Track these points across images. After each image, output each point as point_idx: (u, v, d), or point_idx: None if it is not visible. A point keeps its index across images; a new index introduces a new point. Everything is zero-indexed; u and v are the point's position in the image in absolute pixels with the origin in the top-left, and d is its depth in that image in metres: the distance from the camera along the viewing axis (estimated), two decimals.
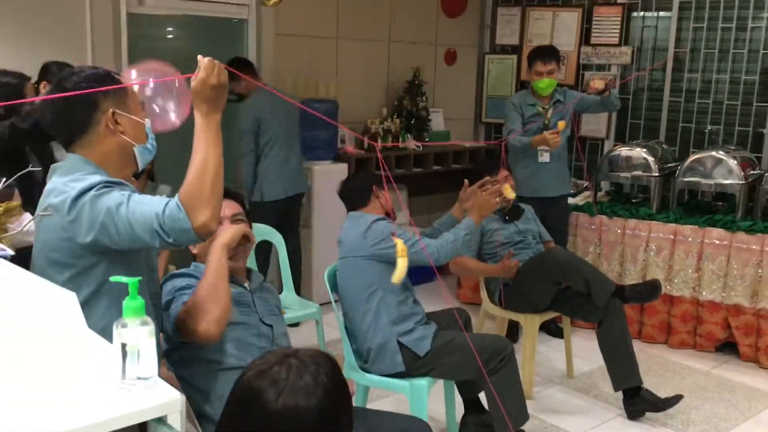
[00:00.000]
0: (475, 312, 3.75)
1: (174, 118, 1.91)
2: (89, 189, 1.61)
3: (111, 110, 1.72)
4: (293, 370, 1.20)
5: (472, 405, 3.03)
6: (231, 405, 1.24)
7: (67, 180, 1.67)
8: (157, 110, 2.25)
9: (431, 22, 5.55)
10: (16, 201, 2.07)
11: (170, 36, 4.64)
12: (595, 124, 5.31)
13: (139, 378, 1.07)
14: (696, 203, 4.45)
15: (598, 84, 4.11)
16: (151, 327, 1.10)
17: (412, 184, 5.21)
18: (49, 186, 1.72)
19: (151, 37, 4.43)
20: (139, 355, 1.07)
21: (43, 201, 1.71)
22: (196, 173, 1.58)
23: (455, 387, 2.99)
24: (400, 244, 2.50)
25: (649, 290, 3.42)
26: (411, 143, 5.08)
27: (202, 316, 1.83)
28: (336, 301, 2.84)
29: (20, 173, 1.91)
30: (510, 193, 3.44)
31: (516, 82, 5.70)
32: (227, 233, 1.99)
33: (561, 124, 3.99)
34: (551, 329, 4.22)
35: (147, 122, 1.80)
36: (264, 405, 1.17)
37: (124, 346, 1.08)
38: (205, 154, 1.59)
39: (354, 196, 2.88)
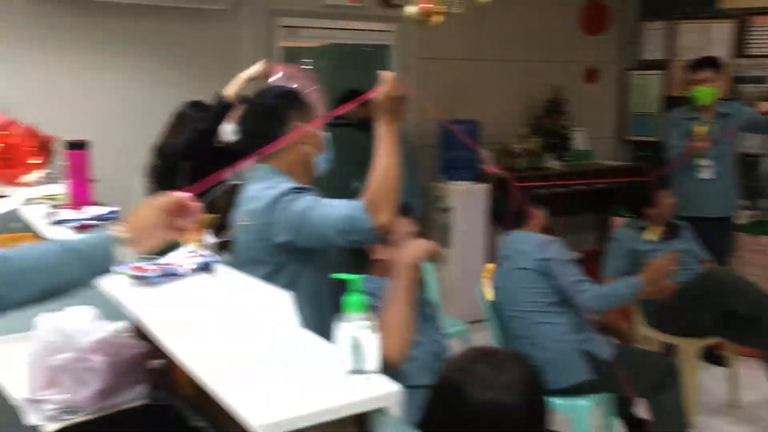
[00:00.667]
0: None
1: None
2: (283, 195, 1.78)
3: (297, 124, 1.89)
4: (496, 368, 1.21)
5: (633, 423, 2.93)
6: (434, 401, 1.27)
7: (261, 187, 1.85)
8: None
9: (570, 40, 5.47)
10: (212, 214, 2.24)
11: (311, 66, 4.87)
12: (751, 140, 4.96)
13: (361, 370, 1.12)
14: None
15: (765, 107, 3.86)
16: (372, 323, 1.15)
17: (553, 203, 5.10)
18: (246, 194, 1.91)
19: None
20: (362, 349, 1.12)
21: (242, 207, 1.91)
22: (380, 178, 1.68)
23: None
24: (488, 269, 2.50)
25: None
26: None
27: (386, 341, 1.52)
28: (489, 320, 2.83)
29: (219, 185, 2.06)
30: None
31: (664, 98, 5.46)
32: (417, 249, 1.88)
33: (699, 130, 3.78)
34: (711, 357, 3.96)
35: (326, 134, 1.96)
36: (467, 400, 1.20)
37: (348, 339, 1.13)
38: (387, 162, 1.70)
39: (513, 216, 2.90)
